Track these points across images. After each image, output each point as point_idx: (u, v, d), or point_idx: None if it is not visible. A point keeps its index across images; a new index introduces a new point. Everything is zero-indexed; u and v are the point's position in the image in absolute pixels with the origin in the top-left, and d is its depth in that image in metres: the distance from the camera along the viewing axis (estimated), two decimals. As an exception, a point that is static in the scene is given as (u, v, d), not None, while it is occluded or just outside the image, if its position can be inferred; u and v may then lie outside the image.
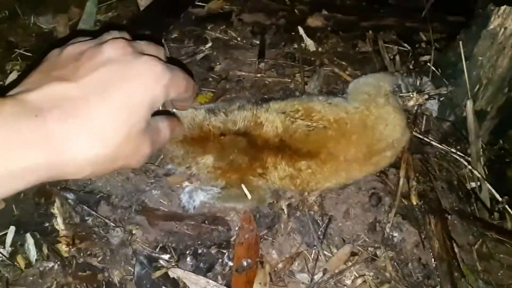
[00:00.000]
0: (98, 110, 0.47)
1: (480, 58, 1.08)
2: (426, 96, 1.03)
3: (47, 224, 0.84)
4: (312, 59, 1.22)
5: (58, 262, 0.75)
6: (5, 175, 0.41)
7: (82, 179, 0.51)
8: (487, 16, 1.04)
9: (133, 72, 0.50)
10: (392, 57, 1.30)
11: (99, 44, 0.52)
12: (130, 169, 0.59)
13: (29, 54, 1.10)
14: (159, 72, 0.52)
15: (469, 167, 1.02)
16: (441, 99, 1.11)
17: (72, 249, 0.77)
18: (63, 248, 0.76)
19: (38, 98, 0.45)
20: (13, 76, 1.07)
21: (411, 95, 1.00)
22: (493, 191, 1.02)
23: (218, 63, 1.16)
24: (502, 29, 1.03)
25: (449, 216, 0.94)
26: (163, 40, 1.08)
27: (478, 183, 1.08)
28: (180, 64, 0.80)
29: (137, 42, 0.56)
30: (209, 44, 1.19)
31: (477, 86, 1.11)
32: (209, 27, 1.26)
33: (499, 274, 1.01)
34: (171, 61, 0.58)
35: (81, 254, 0.78)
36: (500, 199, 1.03)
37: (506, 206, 1.03)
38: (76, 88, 0.47)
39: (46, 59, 0.54)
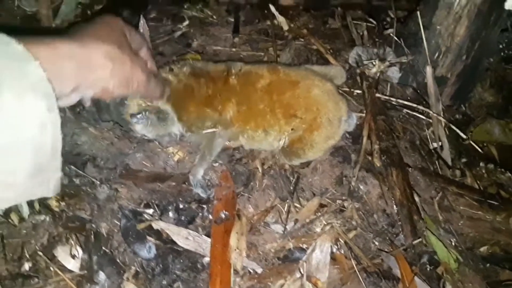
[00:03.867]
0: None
1: (438, 27, 1.16)
2: (388, 64, 1.11)
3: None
4: (285, 34, 1.29)
5: (49, 215, 0.81)
6: (56, 73, 0.52)
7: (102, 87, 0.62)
8: (443, -13, 1.12)
9: (106, 20, 0.68)
10: (361, 33, 1.38)
11: None
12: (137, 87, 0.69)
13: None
14: (119, 19, 0.71)
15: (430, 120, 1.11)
16: (403, 67, 1.19)
17: (62, 204, 0.83)
18: (53, 203, 0.83)
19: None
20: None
21: (374, 63, 1.08)
22: (459, 132, 1.12)
23: (195, 40, 1.22)
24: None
25: (410, 169, 1.02)
26: (141, 19, 1.13)
27: (440, 143, 1.16)
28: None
29: None
30: (186, 22, 1.25)
31: (437, 54, 1.19)
32: (185, 6, 1.32)
33: (460, 224, 1.10)
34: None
35: (70, 208, 0.83)
36: (465, 136, 1.14)
37: (471, 142, 1.14)
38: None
39: None
